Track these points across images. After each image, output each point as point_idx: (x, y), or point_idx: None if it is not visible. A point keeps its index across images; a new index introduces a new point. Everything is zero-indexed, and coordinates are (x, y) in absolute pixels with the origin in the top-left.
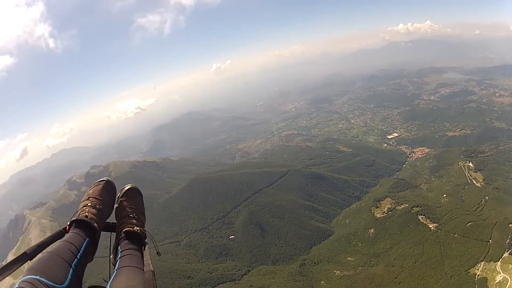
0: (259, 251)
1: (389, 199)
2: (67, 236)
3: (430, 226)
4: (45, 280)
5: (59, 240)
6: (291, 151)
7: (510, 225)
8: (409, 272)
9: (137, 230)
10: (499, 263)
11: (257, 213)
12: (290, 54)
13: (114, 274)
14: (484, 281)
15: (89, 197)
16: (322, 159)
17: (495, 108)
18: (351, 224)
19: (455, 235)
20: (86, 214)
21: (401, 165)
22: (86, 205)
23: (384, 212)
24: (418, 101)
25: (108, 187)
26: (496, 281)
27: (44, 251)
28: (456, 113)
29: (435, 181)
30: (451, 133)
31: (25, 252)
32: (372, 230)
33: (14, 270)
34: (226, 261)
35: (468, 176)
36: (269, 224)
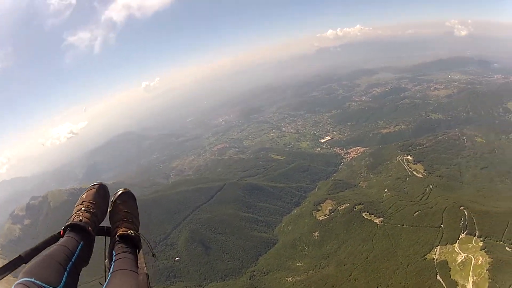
0: (206, 269)
1: (329, 200)
2: (61, 240)
3: (376, 221)
4: (40, 283)
5: (54, 244)
6: (225, 165)
7: (461, 207)
8: (363, 268)
9: (131, 233)
10: (456, 244)
11: (198, 230)
12: (220, 66)
13: (108, 278)
14: (444, 264)
15: (82, 202)
16: (256, 169)
17: (430, 102)
18: (294, 230)
19: (404, 226)
20: (80, 218)
21: (337, 166)
22: (80, 210)
23: (326, 214)
24: (349, 103)
25: (102, 191)
26: (458, 262)
27: (39, 254)
28: (389, 110)
29: (374, 178)
30: (385, 131)
31: (20, 255)
32: (316, 233)
33: (9, 274)
34: (176, 283)
35: (408, 169)
36: (212, 240)
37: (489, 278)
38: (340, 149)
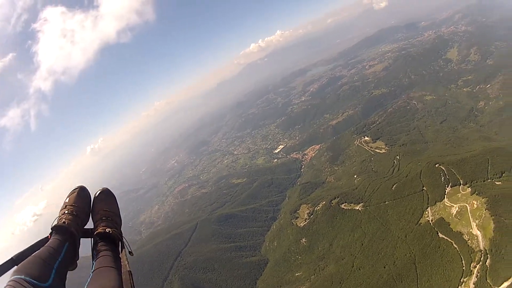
0: None
1: (304, 205)
2: (48, 242)
3: (357, 208)
4: (30, 279)
5: (42, 247)
6: (190, 204)
7: (436, 165)
8: (363, 255)
9: (109, 231)
10: (445, 199)
11: (188, 275)
12: (156, 111)
13: (90, 277)
14: (441, 221)
15: (66, 205)
16: (222, 199)
17: (369, 80)
18: (280, 244)
19: (386, 203)
20: (64, 220)
21: (299, 171)
22: (63, 213)
23: (306, 219)
24: (291, 107)
25: (82, 193)
26: (454, 214)
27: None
28: (332, 101)
29: (339, 169)
30: (334, 122)
31: (11, 258)
32: (304, 240)
33: (2, 275)
34: None
35: (369, 149)
36: (205, 280)
37: (491, 216)
38: (296, 153)
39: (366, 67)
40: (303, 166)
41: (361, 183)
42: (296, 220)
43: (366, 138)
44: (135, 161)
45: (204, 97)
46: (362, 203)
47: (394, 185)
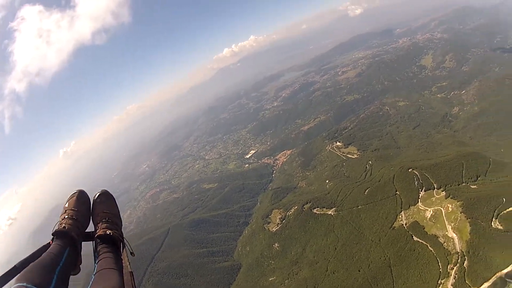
0: None
1: (276, 210)
2: (49, 248)
3: (330, 213)
4: (31, 286)
5: (44, 253)
6: (162, 209)
7: (409, 170)
8: (336, 259)
9: (109, 233)
10: (419, 203)
11: (162, 281)
12: (128, 115)
13: (92, 280)
14: (416, 224)
15: (66, 210)
16: (194, 204)
17: (342, 86)
18: (253, 249)
19: (359, 207)
20: (64, 225)
21: (271, 176)
22: (63, 218)
23: (278, 224)
24: (263, 112)
25: (82, 197)
26: (428, 217)
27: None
28: (304, 107)
29: (310, 174)
30: (306, 127)
31: (14, 266)
32: (276, 244)
33: (6, 283)
34: None
35: (341, 154)
36: (179, 286)
37: (467, 218)
38: (267, 159)
39: (339, 73)
40: (274, 171)
41: (333, 188)
42: (268, 225)
43: (338, 143)
44: (107, 165)
45: (176, 102)
46: (334, 208)
47: (367, 190)
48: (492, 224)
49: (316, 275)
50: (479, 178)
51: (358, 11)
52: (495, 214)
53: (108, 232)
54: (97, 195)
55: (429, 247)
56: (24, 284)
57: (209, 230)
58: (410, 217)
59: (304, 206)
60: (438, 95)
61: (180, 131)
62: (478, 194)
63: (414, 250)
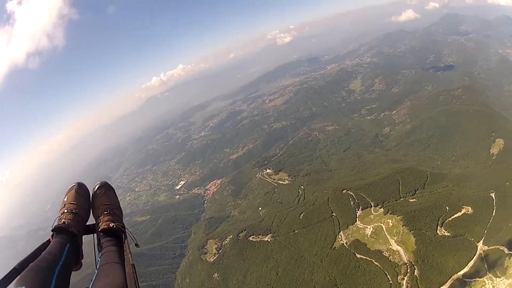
0: None
1: (211, 240)
2: (49, 245)
3: (266, 239)
4: None
5: (43, 252)
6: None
7: (343, 191)
8: (279, 284)
9: (113, 226)
10: (358, 222)
11: None
12: (57, 145)
13: (95, 274)
14: (357, 242)
15: (65, 204)
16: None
17: (269, 113)
18: (192, 281)
19: (296, 231)
20: (64, 220)
21: (202, 206)
22: (63, 212)
23: (215, 253)
24: (191, 142)
25: (81, 190)
26: (369, 234)
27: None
28: (231, 136)
29: (242, 202)
30: (235, 156)
31: (14, 267)
32: (216, 274)
33: (7, 286)
34: None
35: (272, 181)
36: None
37: (410, 230)
38: (198, 189)
39: (266, 101)
40: (205, 201)
41: (267, 214)
42: (205, 256)
43: (268, 170)
44: (39, 198)
45: (104, 131)
46: (270, 234)
47: (302, 214)
48: (438, 232)
49: None
50: (417, 192)
51: (286, 40)
52: (439, 222)
53: (111, 225)
54: (97, 187)
55: (375, 262)
56: (23, 287)
57: (146, 264)
58: (350, 236)
59: (240, 235)
60: (368, 117)
61: (110, 162)
62: (419, 206)
63: (359, 267)
